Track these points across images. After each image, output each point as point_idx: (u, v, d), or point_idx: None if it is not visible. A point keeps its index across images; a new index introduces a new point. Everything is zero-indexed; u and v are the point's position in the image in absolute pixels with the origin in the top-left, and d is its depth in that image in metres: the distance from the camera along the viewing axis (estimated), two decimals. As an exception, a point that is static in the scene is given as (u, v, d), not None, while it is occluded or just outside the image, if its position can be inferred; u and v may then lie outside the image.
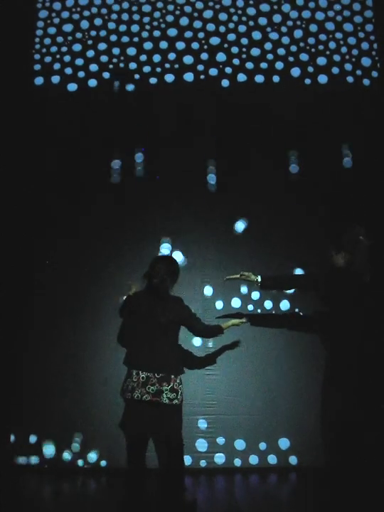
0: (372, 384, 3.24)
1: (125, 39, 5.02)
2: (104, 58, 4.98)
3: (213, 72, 4.94)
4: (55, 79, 4.95)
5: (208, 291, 4.40)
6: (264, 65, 4.95)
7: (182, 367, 3.14)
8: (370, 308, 3.21)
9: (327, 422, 3.08)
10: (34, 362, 4.25)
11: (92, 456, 4.11)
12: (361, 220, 4.19)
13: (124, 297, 3.41)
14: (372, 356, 3.20)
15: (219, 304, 4.37)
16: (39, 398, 4.17)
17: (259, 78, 4.93)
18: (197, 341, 4.23)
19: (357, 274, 3.16)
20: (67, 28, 5.08)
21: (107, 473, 4.01)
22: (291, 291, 4.30)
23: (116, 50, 4.99)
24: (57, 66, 4.98)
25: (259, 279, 3.31)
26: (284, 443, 4.16)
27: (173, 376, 2.99)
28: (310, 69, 4.96)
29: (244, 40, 5.01)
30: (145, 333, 3.03)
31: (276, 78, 4.93)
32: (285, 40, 5.04)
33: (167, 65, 4.93)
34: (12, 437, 4.14)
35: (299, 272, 4.35)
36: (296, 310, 4.35)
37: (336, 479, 3.06)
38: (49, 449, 4.11)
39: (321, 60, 4.99)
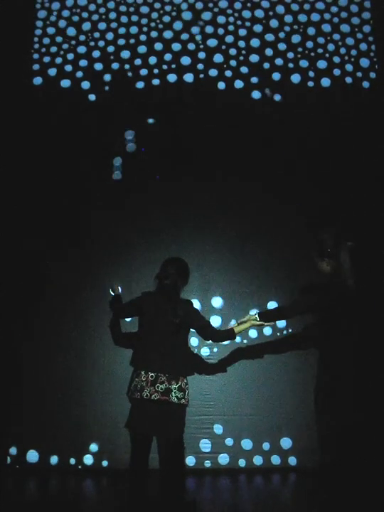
0: (371, 386, 3.22)
1: (121, 42, 5.04)
2: (103, 58, 4.99)
3: (213, 72, 4.96)
4: (54, 78, 4.93)
5: (216, 301, 4.45)
6: (263, 66, 4.99)
7: (190, 369, 3.13)
8: (362, 312, 3.18)
9: (325, 422, 3.06)
10: (34, 361, 4.23)
11: (93, 457, 4.10)
12: (358, 223, 4.28)
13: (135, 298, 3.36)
14: (368, 358, 3.16)
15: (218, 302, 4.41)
16: (39, 399, 4.15)
17: (255, 81, 4.96)
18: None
19: (344, 280, 3.08)
20: (67, 28, 5.08)
21: (107, 474, 3.99)
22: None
23: (113, 50, 5.01)
24: (56, 64, 4.97)
25: (257, 317, 3.25)
26: (285, 443, 4.17)
27: (181, 376, 2.99)
28: (311, 74, 5.00)
29: (241, 43, 5.04)
30: (154, 334, 3.01)
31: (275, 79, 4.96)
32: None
33: (164, 66, 4.95)
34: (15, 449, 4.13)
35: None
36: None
37: (335, 480, 3.05)
38: (33, 455, 4.11)
39: (322, 63, 5.03)
